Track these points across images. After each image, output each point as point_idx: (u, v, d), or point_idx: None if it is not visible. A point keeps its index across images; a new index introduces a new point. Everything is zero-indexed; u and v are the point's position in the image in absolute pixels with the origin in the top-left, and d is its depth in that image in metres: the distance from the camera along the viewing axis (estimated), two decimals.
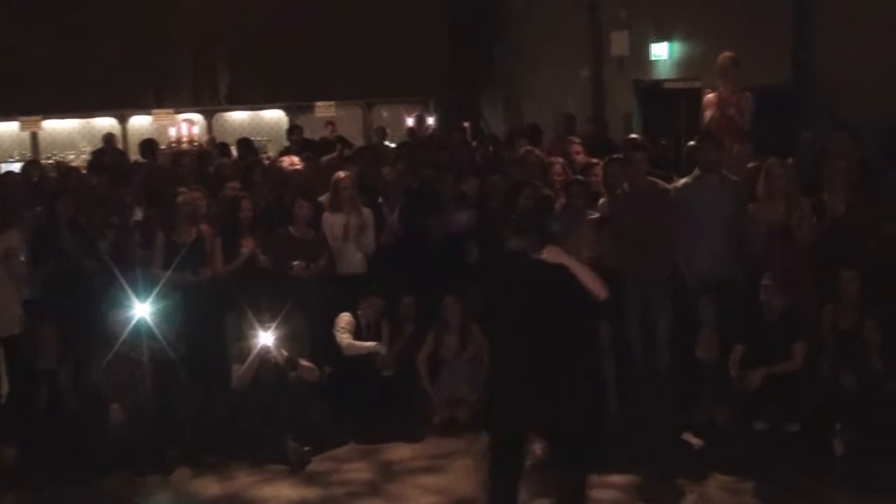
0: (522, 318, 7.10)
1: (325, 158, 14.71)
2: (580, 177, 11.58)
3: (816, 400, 9.91)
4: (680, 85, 17.58)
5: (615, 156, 11.75)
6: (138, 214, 11.46)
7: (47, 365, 10.29)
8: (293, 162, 12.77)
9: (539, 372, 7.06)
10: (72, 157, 17.68)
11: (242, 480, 9.61)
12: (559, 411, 7.12)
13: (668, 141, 14.74)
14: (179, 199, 11.19)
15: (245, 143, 17.05)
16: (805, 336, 10.10)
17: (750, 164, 11.32)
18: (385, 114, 22.90)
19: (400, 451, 10.17)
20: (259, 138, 19.61)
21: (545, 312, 7.04)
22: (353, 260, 11.43)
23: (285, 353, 10.28)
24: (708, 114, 12.90)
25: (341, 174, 11.82)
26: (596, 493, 8.71)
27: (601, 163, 11.95)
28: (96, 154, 16.27)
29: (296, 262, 11.00)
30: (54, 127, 21.59)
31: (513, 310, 7.24)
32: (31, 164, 14.86)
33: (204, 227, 11.15)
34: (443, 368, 11.00)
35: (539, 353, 7.02)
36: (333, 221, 11.33)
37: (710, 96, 13.11)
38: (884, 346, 9.81)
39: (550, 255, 7.08)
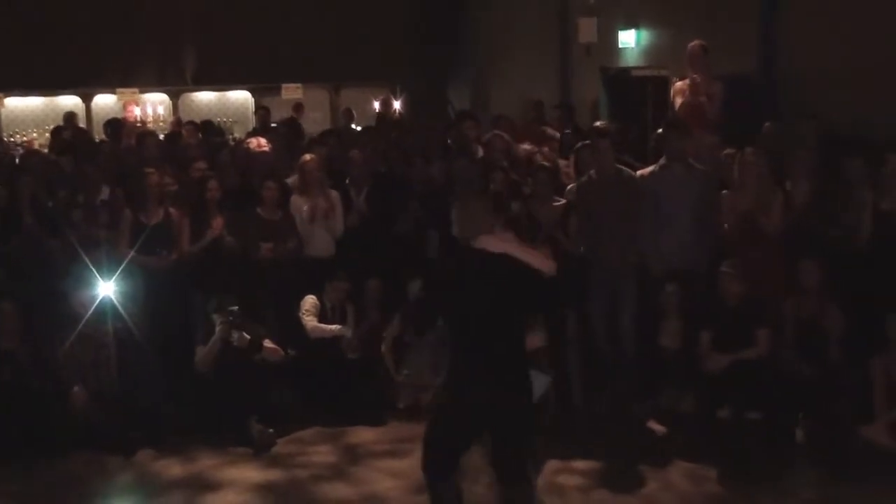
0: (468, 309, 7.01)
1: None
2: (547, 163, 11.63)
3: (779, 388, 9.92)
4: (647, 73, 17.67)
5: (580, 144, 11.75)
6: (105, 193, 11.41)
7: (8, 345, 10.16)
8: (260, 143, 12.72)
9: (484, 363, 7.00)
10: (34, 135, 17.55)
11: (206, 462, 9.59)
12: (501, 402, 7.06)
13: (636, 128, 14.71)
14: (147, 179, 11.11)
15: (208, 125, 16.98)
16: (767, 324, 10.09)
17: (725, 152, 11.33)
18: (351, 97, 22.83)
19: (364, 435, 10.21)
20: (225, 119, 19.46)
21: (488, 302, 6.94)
22: (321, 243, 11.43)
23: (248, 336, 10.23)
24: (678, 101, 13.02)
25: (308, 157, 11.88)
26: (560, 479, 9.08)
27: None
28: (55, 132, 16.22)
29: (264, 244, 11.02)
30: (16, 105, 21.59)
31: (459, 300, 7.12)
32: None
33: (172, 208, 11.10)
34: (407, 353, 10.99)
35: (484, 344, 6.97)
36: (301, 204, 11.33)
37: (680, 83, 13.28)
38: (846, 338, 9.83)
39: (486, 244, 7.01)
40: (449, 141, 13.70)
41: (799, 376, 9.92)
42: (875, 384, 9.56)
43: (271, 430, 9.94)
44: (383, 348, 11.03)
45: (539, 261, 7.01)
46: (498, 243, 6.97)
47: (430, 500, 7.36)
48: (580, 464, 9.31)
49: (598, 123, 14.72)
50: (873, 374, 9.59)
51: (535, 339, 9.09)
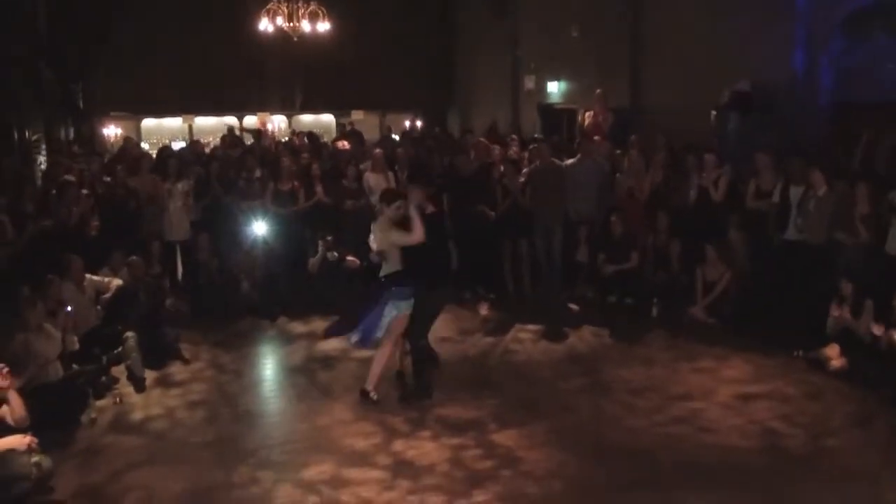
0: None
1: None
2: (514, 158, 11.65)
3: (643, 285, 10.20)
4: (564, 107, 17.75)
5: (532, 146, 11.74)
6: (257, 173, 11.27)
7: (204, 257, 10.42)
8: (344, 144, 12.78)
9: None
10: (211, 139, 17.80)
11: (317, 324, 9.60)
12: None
13: (558, 139, 14.82)
14: (281, 164, 11.21)
15: (311, 135, 17.05)
16: (637, 249, 10.31)
17: (618, 152, 11.36)
18: (391, 119, 22.89)
19: None
20: (319, 130, 19.71)
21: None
22: None
23: (337, 254, 10.31)
24: (587, 122, 13.30)
25: (377, 151, 11.81)
26: (520, 336, 9.09)
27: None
28: (223, 137, 15.89)
29: (348, 201, 10.97)
30: (201, 122, 21.52)
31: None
32: (196, 143, 14.71)
33: (294, 181, 11.06)
34: None
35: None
36: (371, 178, 11.15)
37: (588, 112, 13.47)
38: (681, 256, 10.08)
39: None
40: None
41: (655, 279, 10.17)
42: (696, 283, 9.74)
43: None
44: None
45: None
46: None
47: (421, 353, 7.63)
48: (531, 327, 9.47)
49: (537, 136, 15.00)
50: (696, 277, 9.76)
51: None
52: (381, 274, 7.35)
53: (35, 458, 5.61)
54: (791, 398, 7.35)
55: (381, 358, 7.39)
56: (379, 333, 7.26)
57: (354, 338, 7.32)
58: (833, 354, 7.92)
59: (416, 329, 7.57)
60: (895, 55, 11.03)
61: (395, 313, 7.23)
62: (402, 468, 6.10)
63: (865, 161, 9.75)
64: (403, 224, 7.24)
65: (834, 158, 9.86)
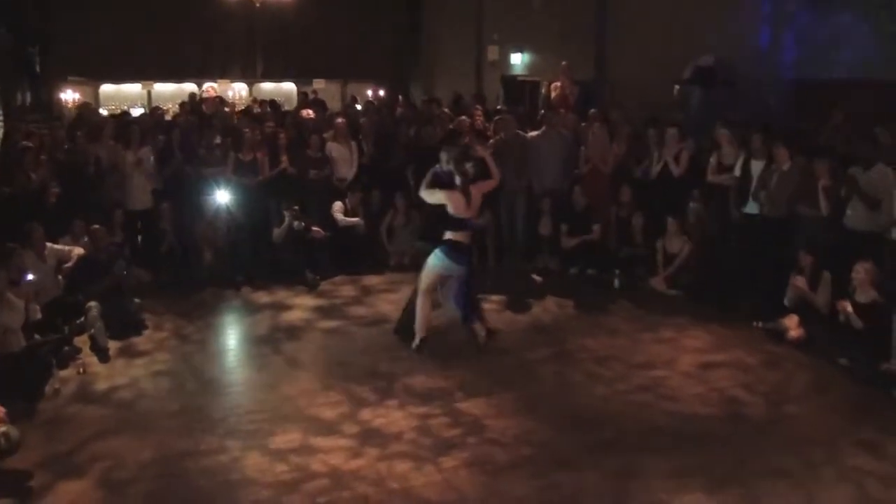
0: None
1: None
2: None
3: (605, 257, 10.30)
4: (527, 79, 17.78)
5: (497, 117, 11.71)
6: (217, 140, 11.13)
7: (165, 226, 10.37)
8: (308, 113, 12.61)
9: None
10: (170, 106, 17.56)
11: (281, 294, 9.76)
12: None
13: (521, 110, 14.78)
14: (244, 134, 11.03)
15: (273, 103, 16.80)
16: (600, 221, 10.43)
17: (583, 124, 11.27)
18: (353, 88, 22.72)
19: (371, 280, 10.37)
20: (280, 98, 19.55)
21: None
22: (344, 170, 11.22)
23: (303, 223, 10.29)
24: (553, 94, 13.30)
25: (339, 120, 11.69)
26: (487, 306, 8.92)
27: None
28: (182, 105, 15.73)
29: (312, 171, 10.97)
30: (160, 88, 21.21)
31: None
32: (155, 109, 14.37)
33: (257, 152, 10.88)
34: (394, 233, 11.09)
35: None
36: (334, 148, 11.20)
37: (553, 84, 13.45)
38: (644, 229, 10.23)
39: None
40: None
41: (617, 251, 10.30)
42: (658, 255, 9.94)
43: (318, 277, 10.14)
44: (381, 230, 11.05)
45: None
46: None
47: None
48: (496, 297, 9.49)
49: (499, 107, 14.89)
50: (657, 249, 9.95)
51: None
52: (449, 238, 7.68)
53: (2, 429, 5.54)
54: (751, 367, 7.50)
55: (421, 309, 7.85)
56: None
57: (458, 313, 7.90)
58: (791, 325, 8.09)
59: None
60: (859, 33, 11.19)
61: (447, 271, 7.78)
62: (370, 436, 6.12)
63: (831, 138, 9.91)
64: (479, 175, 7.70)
65: (796, 133, 10.00)
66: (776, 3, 12.10)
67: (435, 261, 7.73)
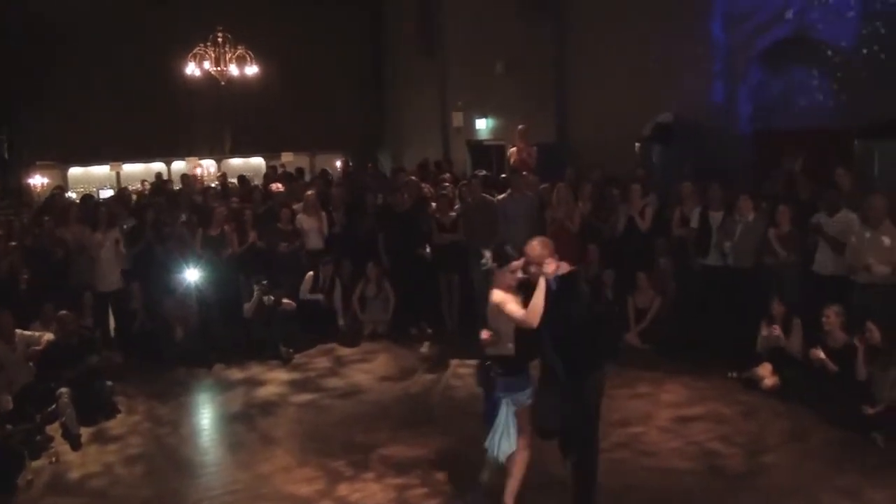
0: None
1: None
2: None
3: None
4: (492, 143, 17.81)
5: (464, 182, 11.84)
6: (182, 218, 11.08)
7: (135, 306, 10.33)
8: (278, 186, 12.58)
9: None
10: (138, 186, 17.54)
11: (254, 369, 9.70)
12: None
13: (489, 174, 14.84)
14: (215, 211, 11.07)
15: (242, 178, 16.78)
16: None
17: (542, 186, 11.23)
18: (322, 160, 22.83)
19: (345, 350, 10.31)
20: (249, 173, 19.60)
21: None
22: (315, 242, 11.23)
23: (273, 297, 10.21)
24: (513, 158, 13.41)
25: (309, 192, 11.76)
26: (453, 370, 9.00)
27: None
28: (152, 184, 15.92)
29: (281, 244, 10.95)
30: (129, 168, 21.23)
31: None
32: (124, 190, 14.36)
33: (225, 226, 10.93)
34: (367, 303, 10.99)
35: None
36: (304, 220, 11.23)
37: (513, 149, 13.55)
38: (614, 285, 10.21)
39: None
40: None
41: (591, 308, 10.54)
42: (629, 311, 9.92)
43: (291, 350, 10.04)
44: (354, 300, 10.90)
45: None
46: None
47: (588, 466, 5.61)
48: (469, 362, 8.72)
49: (478, 172, 15.09)
50: (627, 305, 9.95)
51: None
52: (488, 354, 5.67)
53: None
54: (727, 418, 7.48)
55: (517, 466, 5.71)
56: (509, 444, 5.60)
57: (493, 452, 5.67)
58: (765, 373, 8.11)
59: (576, 436, 5.58)
60: (809, 86, 11.46)
61: (513, 409, 5.58)
62: None
63: (787, 185, 10.05)
64: (524, 292, 5.50)
65: (754, 184, 10.13)
66: (730, 61, 12.39)
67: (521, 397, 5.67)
